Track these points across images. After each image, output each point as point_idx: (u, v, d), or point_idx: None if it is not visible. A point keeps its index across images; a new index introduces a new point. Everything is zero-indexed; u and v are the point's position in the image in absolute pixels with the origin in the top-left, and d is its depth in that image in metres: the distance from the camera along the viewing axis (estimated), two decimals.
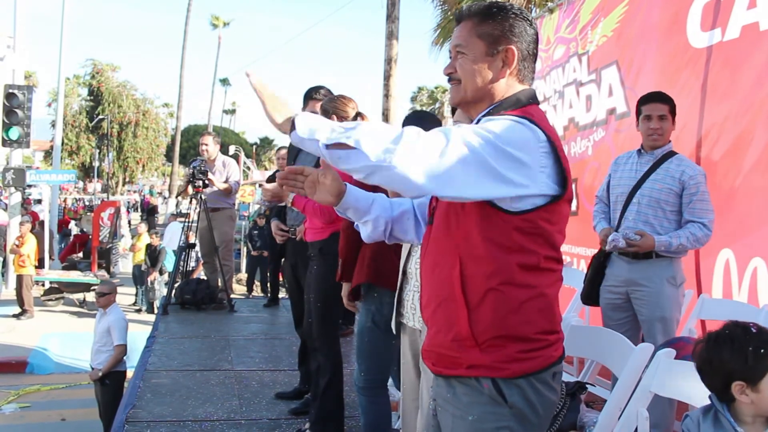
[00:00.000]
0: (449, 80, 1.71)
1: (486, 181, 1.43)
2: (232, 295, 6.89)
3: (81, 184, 39.75)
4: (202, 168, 6.36)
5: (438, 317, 1.62)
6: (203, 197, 6.40)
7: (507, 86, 1.65)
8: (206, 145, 6.80)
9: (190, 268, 9.52)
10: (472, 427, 1.54)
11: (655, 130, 3.37)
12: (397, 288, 2.54)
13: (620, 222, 3.46)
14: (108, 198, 30.15)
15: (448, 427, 1.61)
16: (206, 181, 6.33)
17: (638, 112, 3.51)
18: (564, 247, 6.76)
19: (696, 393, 1.97)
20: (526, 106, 1.61)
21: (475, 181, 1.43)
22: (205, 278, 7.03)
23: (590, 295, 3.60)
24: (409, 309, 2.47)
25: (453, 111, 2.75)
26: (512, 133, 1.47)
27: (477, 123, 1.59)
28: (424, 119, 2.79)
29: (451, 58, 1.71)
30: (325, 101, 3.37)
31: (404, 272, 2.52)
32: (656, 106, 3.38)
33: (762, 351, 1.59)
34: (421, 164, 1.39)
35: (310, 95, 4.11)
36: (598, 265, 3.55)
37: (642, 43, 5.38)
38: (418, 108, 53.17)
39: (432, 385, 1.75)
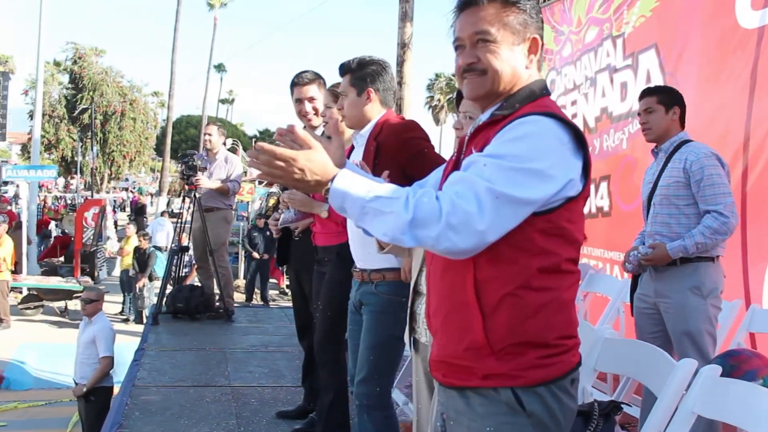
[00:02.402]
0: (465, 71, 1.70)
1: (521, 209, 1.51)
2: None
3: (63, 180, 39.96)
4: (192, 163, 6.28)
5: (449, 325, 1.66)
6: (197, 195, 6.37)
7: (529, 77, 1.70)
8: (210, 134, 6.81)
9: (183, 274, 9.56)
10: None
11: (643, 124, 3.51)
12: (410, 301, 2.55)
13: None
14: (92, 196, 30.33)
15: None
16: (194, 180, 6.24)
17: None
18: (596, 252, 6.75)
19: (747, 414, 1.96)
20: (539, 98, 1.67)
21: (515, 216, 1.51)
22: (199, 284, 7.06)
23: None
24: (422, 324, 2.48)
25: (458, 103, 2.72)
26: (536, 145, 1.53)
27: (498, 123, 1.62)
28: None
29: (458, 47, 1.71)
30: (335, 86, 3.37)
31: (416, 289, 2.52)
32: (642, 102, 3.51)
33: None
34: (465, 237, 1.46)
35: (294, 82, 4.13)
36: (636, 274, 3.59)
37: (685, 23, 5.35)
38: (436, 97, 53.13)
39: (440, 398, 1.76)
